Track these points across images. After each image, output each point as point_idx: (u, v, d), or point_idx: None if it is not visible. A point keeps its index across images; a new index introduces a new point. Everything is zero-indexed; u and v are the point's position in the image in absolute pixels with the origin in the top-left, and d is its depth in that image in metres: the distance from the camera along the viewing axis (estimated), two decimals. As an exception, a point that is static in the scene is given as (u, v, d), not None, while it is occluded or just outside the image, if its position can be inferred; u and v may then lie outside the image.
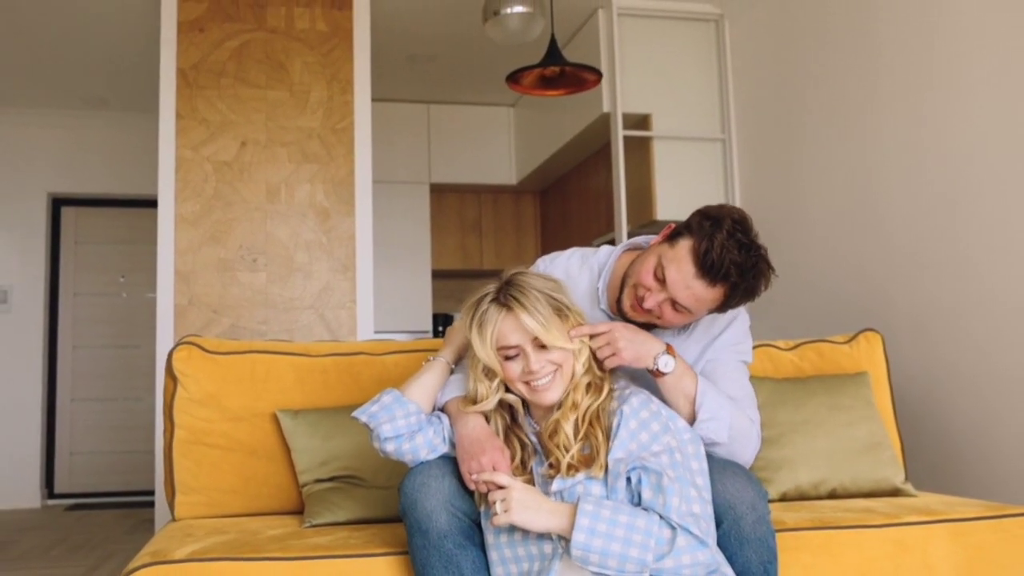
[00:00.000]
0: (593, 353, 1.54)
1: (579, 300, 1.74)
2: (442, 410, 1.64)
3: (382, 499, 1.90)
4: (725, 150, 4.30)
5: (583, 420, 1.45)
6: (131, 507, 5.27)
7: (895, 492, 2.14)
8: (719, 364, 1.71)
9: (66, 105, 5.58)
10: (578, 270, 1.81)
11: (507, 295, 1.47)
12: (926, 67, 3.00)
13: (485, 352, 1.48)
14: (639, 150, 4.34)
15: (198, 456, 2.01)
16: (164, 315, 3.62)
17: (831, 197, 3.53)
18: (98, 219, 5.91)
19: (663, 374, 1.57)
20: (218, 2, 3.80)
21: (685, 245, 1.59)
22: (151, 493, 5.14)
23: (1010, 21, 2.66)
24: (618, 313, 1.70)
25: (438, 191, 5.82)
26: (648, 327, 1.65)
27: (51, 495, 5.62)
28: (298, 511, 2.03)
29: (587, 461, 1.43)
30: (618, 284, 1.71)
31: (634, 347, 1.55)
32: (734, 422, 1.61)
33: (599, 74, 3.39)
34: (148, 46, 4.44)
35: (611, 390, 1.51)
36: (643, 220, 4.34)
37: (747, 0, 4.11)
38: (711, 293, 1.59)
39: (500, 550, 1.50)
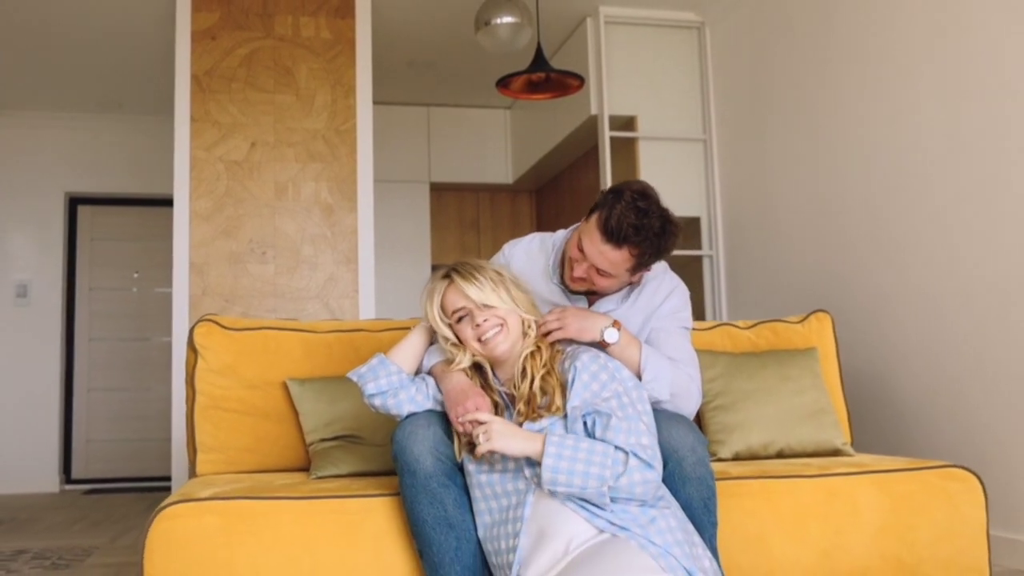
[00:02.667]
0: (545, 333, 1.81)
1: (538, 276, 2.01)
2: (429, 374, 1.90)
3: (379, 455, 2.16)
4: (706, 150, 4.56)
5: (538, 373, 1.72)
6: (145, 491, 5.54)
7: (836, 452, 2.40)
8: (662, 332, 1.95)
9: (83, 108, 5.86)
10: (537, 251, 2.07)
11: (450, 271, 1.78)
12: (880, 77, 3.26)
13: (434, 318, 1.78)
14: (625, 150, 4.60)
15: (217, 419, 2.27)
16: (179, 304, 3.89)
17: (798, 193, 3.79)
18: (113, 217, 6.18)
19: (608, 344, 1.82)
20: (229, 12, 4.07)
21: (594, 217, 1.84)
22: (164, 479, 5.43)
23: (951, 40, 2.92)
24: (565, 285, 1.96)
25: (437, 190, 6.09)
26: (591, 299, 1.91)
27: (68, 480, 5.90)
28: (305, 468, 2.29)
29: (548, 408, 1.69)
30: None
31: (579, 322, 1.80)
32: (675, 380, 1.86)
33: (582, 79, 3.65)
34: (161, 53, 4.72)
35: (559, 350, 1.78)
36: (629, 216, 4.59)
37: (727, 9, 4.37)
38: (620, 255, 1.80)
39: (483, 488, 1.76)
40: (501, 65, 4.66)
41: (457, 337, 1.80)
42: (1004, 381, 2.74)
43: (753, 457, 2.37)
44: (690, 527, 1.69)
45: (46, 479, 5.74)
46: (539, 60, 3.53)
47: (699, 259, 4.56)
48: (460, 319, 1.77)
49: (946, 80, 2.95)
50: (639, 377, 1.83)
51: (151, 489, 5.58)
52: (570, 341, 1.83)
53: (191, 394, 2.30)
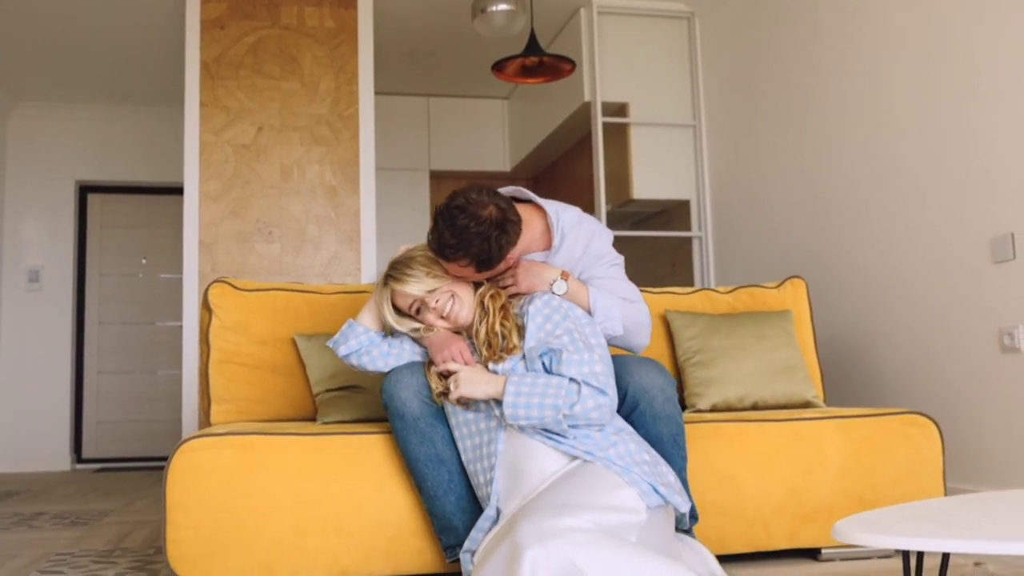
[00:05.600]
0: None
1: None
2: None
3: (378, 403, 2.30)
4: (695, 135, 4.73)
5: (495, 318, 1.87)
6: (154, 470, 5.71)
7: (806, 404, 2.57)
8: (597, 279, 2.04)
9: (93, 99, 6.04)
10: None
11: (386, 277, 1.93)
12: (861, 66, 3.43)
13: (396, 323, 1.93)
14: (617, 136, 4.76)
15: (230, 373, 2.44)
16: (189, 280, 4.06)
17: (782, 173, 3.96)
18: (121, 205, 6.36)
19: (558, 295, 1.94)
20: (237, 2, 4.25)
21: None
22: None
23: (927, 33, 3.09)
24: None
25: (437, 178, 6.25)
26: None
27: (79, 460, 6.08)
28: (311, 418, 2.47)
29: (509, 349, 1.85)
30: None
31: (529, 277, 1.93)
32: (626, 315, 2.01)
33: (573, 63, 3.82)
34: (169, 44, 4.90)
35: (511, 296, 1.93)
36: (622, 199, 4.77)
37: (715, 0, 4.54)
38: (457, 266, 1.86)
39: (460, 428, 1.93)
40: (499, 55, 4.82)
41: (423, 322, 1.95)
42: (971, 345, 2.91)
43: (729, 409, 2.53)
44: (653, 452, 1.85)
45: (58, 458, 5.92)
46: (533, 45, 3.70)
47: (689, 240, 4.73)
48: (418, 311, 1.93)
49: (921, 70, 3.12)
50: None
51: (159, 468, 5.75)
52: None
53: (205, 350, 2.47)
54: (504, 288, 1.96)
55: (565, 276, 1.97)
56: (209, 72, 4.20)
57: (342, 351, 1.99)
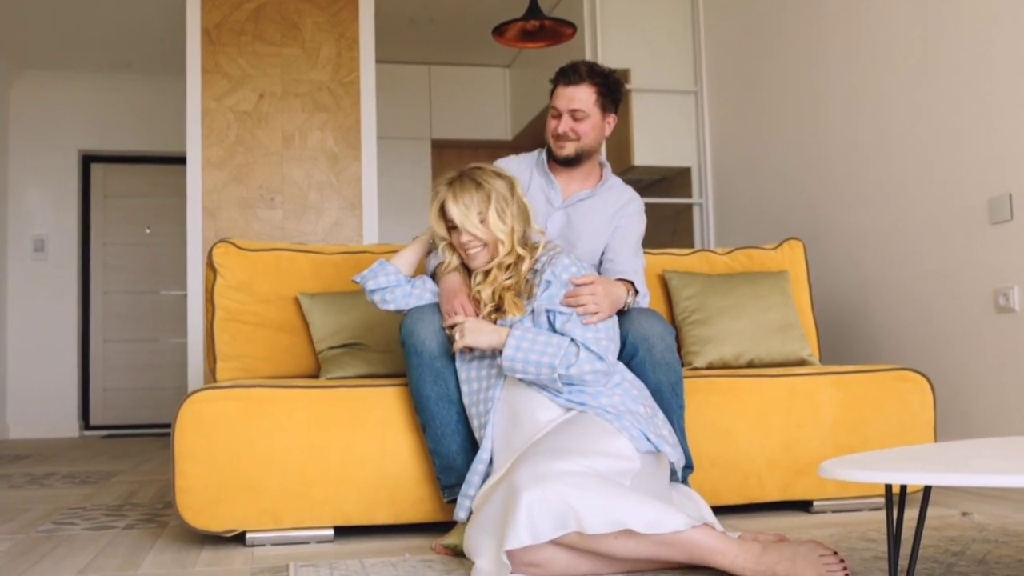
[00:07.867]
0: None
1: (524, 172, 2.29)
2: (433, 276, 2.10)
3: (381, 360, 2.37)
4: (697, 101, 4.73)
5: (503, 287, 1.90)
6: (160, 436, 5.78)
7: (801, 362, 2.61)
8: (627, 228, 2.30)
9: (96, 68, 6.04)
10: (516, 163, 2.35)
11: (454, 180, 1.94)
12: (861, 31, 3.43)
13: (433, 219, 1.97)
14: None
15: (234, 331, 2.48)
16: (193, 246, 4.10)
17: (783, 139, 3.97)
18: (125, 175, 6.38)
19: (631, 306, 2.06)
20: (237, -32, 4.24)
21: (554, 86, 2.27)
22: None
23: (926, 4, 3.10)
24: (556, 162, 2.29)
25: (439, 146, 6.26)
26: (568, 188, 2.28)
27: (87, 427, 6.16)
28: (314, 375, 2.51)
29: (518, 307, 1.88)
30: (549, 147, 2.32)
31: (610, 300, 1.91)
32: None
33: (574, 27, 3.82)
34: (170, 12, 4.88)
35: (534, 258, 1.94)
36: (623, 166, 4.78)
37: (716, -36, 4.53)
38: (584, 90, 2.20)
39: (462, 372, 1.98)
40: (499, 21, 4.81)
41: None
42: (966, 306, 2.94)
43: (725, 366, 2.57)
44: (650, 403, 1.89)
45: (66, 425, 6.00)
46: (533, 10, 3.70)
47: (689, 207, 4.75)
48: (451, 228, 1.96)
49: (921, 35, 3.12)
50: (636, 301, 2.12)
51: (165, 434, 5.82)
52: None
53: (210, 308, 2.51)
54: (581, 308, 1.86)
55: (627, 286, 2.07)
56: (210, 39, 4.21)
57: (370, 285, 2.02)
